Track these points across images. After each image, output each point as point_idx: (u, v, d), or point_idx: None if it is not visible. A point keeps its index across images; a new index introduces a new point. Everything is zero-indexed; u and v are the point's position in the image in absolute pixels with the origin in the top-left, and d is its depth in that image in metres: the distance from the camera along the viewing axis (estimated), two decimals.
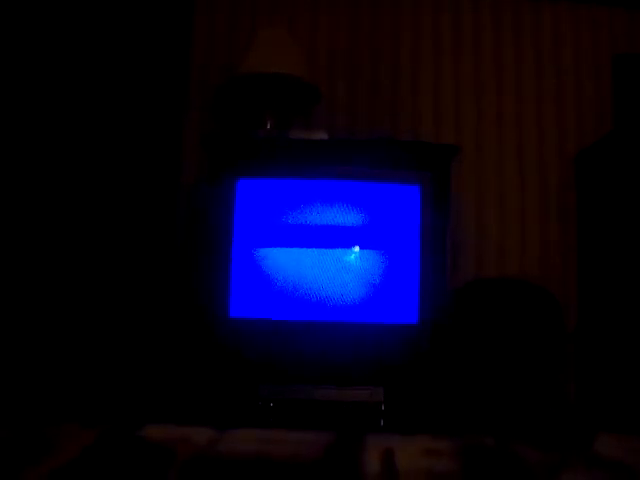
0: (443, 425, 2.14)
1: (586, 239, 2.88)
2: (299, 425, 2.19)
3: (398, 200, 2.37)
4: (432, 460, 0.80)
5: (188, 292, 2.77)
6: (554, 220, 2.99)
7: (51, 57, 2.77)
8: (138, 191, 2.79)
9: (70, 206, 2.70)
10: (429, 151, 2.48)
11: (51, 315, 2.58)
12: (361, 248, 2.33)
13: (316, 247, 2.32)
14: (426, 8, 3.11)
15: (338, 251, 2.32)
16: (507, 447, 0.85)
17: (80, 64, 2.80)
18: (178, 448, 0.99)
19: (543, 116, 3.07)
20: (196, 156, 2.86)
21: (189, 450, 0.99)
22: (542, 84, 3.08)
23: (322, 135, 2.52)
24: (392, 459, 0.81)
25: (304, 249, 2.32)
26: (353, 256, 2.33)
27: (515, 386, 2.42)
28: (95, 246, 2.69)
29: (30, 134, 2.71)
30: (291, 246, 2.33)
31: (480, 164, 3.01)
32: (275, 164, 2.41)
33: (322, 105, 2.93)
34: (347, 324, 2.30)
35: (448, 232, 2.41)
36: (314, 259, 2.32)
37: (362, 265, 2.33)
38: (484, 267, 2.92)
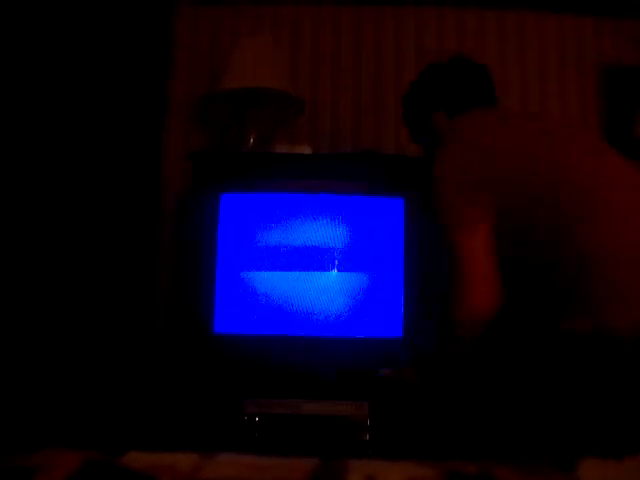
0: (428, 439, 2.14)
1: None
2: (285, 439, 2.18)
3: (382, 213, 2.38)
4: None
5: (172, 308, 2.76)
6: None
7: (30, 61, 2.75)
8: (118, 200, 2.76)
9: (51, 216, 2.68)
10: (413, 164, 2.47)
11: (25, 327, 2.54)
12: (345, 261, 2.33)
13: (300, 261, 2.32)
14: (408, 18, 3.12)
15: (322, 265, 2.32)
16: (489, 474, 0.85)
17: (59, 70, 2.78)
18: (161, 476, 0.99)
19: None
20: (179, 167, 2.85)
21: (172, 478, 0.98)
22: (526, 93, 3.09)
23: (306, 149, 2.52)
24: None
25: (288, 263, 2.32)
26: (337, 270, 2.33)
27: (498, 396, 2.42)
28: (65, 259, 2.66)
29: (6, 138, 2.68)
30: (275, 261, 2.32)
31: None
32: (259, 178, 2.41)
33: (305, 116, 2.93)
34: (331, 339, 2.30)
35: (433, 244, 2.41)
36: (298, 274, 2.32)
37: (346, 278, 2.33)
38: None
